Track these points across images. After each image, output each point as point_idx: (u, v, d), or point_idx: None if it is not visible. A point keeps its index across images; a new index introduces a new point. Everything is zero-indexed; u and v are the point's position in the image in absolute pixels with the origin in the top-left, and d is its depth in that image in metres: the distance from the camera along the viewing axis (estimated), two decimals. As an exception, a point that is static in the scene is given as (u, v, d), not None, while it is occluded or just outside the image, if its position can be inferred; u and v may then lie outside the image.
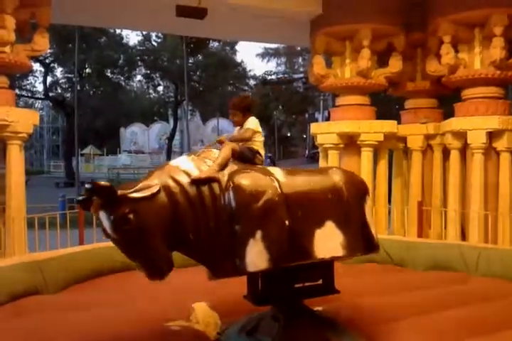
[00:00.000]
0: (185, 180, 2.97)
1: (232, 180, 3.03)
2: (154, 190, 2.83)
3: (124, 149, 46.44)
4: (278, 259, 3.00)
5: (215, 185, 3.02)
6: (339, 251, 3.26)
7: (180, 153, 38.38)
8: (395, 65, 7.63)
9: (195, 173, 3.01)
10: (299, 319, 3.39)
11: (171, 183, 2.93)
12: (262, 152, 3.62)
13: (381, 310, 3.98)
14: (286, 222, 3.07)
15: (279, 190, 3.11)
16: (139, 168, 35.80)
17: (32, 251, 5.72)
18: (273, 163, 26.88)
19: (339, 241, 3.25)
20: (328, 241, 3.20)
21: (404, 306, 4.10)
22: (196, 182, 2.98)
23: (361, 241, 3.38)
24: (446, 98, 9.02)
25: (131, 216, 2.72)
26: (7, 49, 6.16)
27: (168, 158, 38.36)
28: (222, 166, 3.15)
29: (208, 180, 3.01)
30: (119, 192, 2.74)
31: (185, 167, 3.05)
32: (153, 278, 2.89)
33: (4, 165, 6.20)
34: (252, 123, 3.66)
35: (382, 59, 7.79)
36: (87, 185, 2.72)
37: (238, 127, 3.76)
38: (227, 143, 3.41)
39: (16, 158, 6.22)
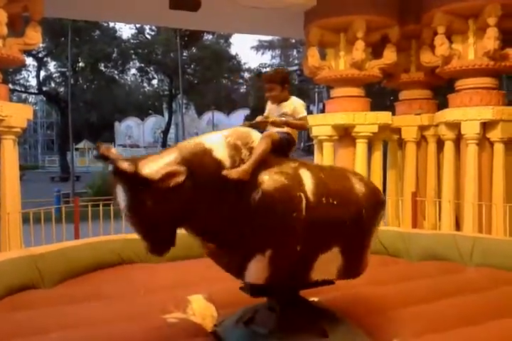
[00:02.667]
0: (214, 168, 2.69)
1: (262, 184, 2.77)
2: (180, 179, 2.54)
3: (118, 143, 46.30)
4: (275, 280, 2.96)
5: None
6: (332, 275, 3.22)
7: (176, 147, 38.22)
8: (389, 56, 7.62)
9: (227, 163, 2.73)
10: (296, 309, 3.41)
11: (199, 169, 2.65)
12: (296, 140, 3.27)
13: (376, 301, 4.01)
14: (298, 248, 2.92)
15: (304, 211, 2.85)
16: (134, 162, 35.68)
17: (27, 246, 5.72)
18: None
19: (336, 266, 3.18)
20: (327, 265, 3.12)
21: (399, 296, 4.14)
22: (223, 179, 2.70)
23: (356, 266, 3.32)
24: (441, 89, 9.04)
25: (149, 202, 2.51)
26: (-1, 43, 6.11)
27: (164, 151, 38.27)
28: (258, 164, 2.79)
29: (237, 182, 2.70)
30: (145, 176, 2.48)
31: (218, 153, 2.74)
32: (153, 253, 2.74)
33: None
34: (300, 104, 3.25)
35: (376, 50, 7.79)
36: (110, 167, 2.47)
37: (275, 104, 3.35)
38: (266, 134, 3.03)
39: (10, 153, 6.19)
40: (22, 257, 4.55)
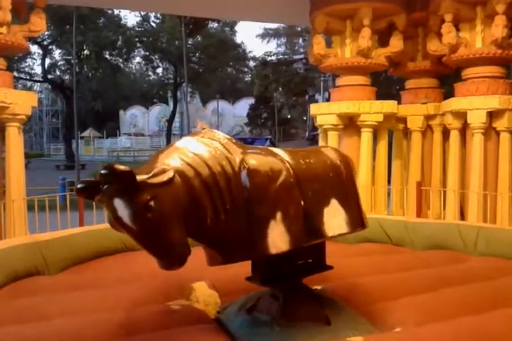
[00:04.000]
0: (197, 162, 2.81)
1: (245, 161, 2.94)
2: (170, 174, 2.65)
3: (123, 132, 46.35)
4: (297, 240, 3.01)
5: (228, 167, 2.90)
6: (344, 228, 3.32)
7: (180, 136, 38.30)
8: (396, 44, 7.54)
9: (205, 154, 2.87)
10: (298, 297, 3.42)
11: (184, 166, 2.77)
12: None
13: (379, 289, 4.01)
14: (302, 202, 3.08)
15: (291, 170, 3.09)
16: (139, 150, 35.83)
17: (32, 233, 5.76)
18: (273, 145, 26.83)
19: (342, 218, 3.31)
20: (334, 218, 3.26)
21: (402, 285, 4.13)
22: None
23: (358, 217, 3.46)
24: (447, 78, 8.95)
25: (152, 203, 2.52)
26: (3, 30, 6.09)
27: (168, 140, 38.30)
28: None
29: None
30: (139, 178, 2.54)
31: (195, 149, 2.90)
32: (170, 266, 2.70)
33: (4, 149, 6.21)
34: None
35: (382, 38, 7.71)
36: (102, 171, 2.47)
37: None
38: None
39: (15, 140, 6.22)
40: (27, 244, 4.58)
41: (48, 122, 48.78)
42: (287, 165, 3.10)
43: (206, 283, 4.13)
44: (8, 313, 3.58)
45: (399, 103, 8.07)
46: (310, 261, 3.51)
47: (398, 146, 8.41)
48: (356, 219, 3.43)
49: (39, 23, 6.56)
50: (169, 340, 3.03)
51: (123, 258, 5.15)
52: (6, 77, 6.36)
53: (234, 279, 3.88)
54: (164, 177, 2.62)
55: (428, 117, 7.96)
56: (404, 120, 8.13)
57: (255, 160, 2.98)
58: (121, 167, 2.47)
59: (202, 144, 2.96)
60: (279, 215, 2.94)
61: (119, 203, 2.52)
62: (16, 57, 27.22)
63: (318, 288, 3.89)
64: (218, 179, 2.85)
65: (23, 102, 6.24)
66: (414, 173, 7.95)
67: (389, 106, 7.65)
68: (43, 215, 5.86)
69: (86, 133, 39.17)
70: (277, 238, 2.92)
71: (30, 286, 4.24)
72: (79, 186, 2.63)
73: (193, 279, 4.11)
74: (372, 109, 7.45)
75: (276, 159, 3.10)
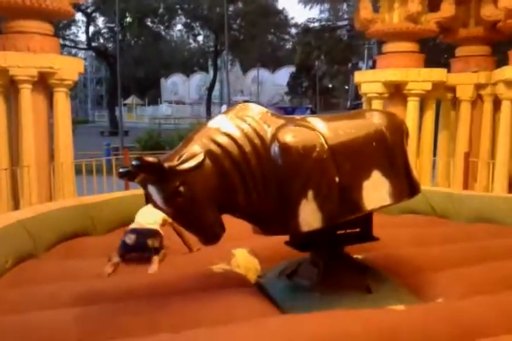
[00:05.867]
0: (227, 142, 2.85)
1: (277, 138, 2.88)
2: (200, 158, 2.73)
3: (164, 99, 46.73)
4: (331, 217, 2.98)
5: (259, 145, 2.88)
6: (387, 200, 3.21)
7: (220, 104, 38.34)
8: (447, 9, 7.18)
9: (236, 134, 2.88)
10: (339, 265, 3.44)
11: (214, 147, 2.82)
12: None
13: (422, 261, 3.97)
14: (336, 179, 2.99)
15: (325, 145, 2.97)
16: (179, 118, 36.12)
17: (80, 195, 5.97)
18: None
19: (386, 190, 3.19)
20: (375, 191, 3.13)
21: (446, 257, 4.08)
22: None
23: (405, 185, 3.32)
24: (500, 45, 8.48)
25: (181, 188, 2.66)
26: (49, -5, 6.14)
27: (208, 109, 38.41)
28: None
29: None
30: (167, 165, 2.66)
31: (226, 128, 2.91)
32: (208, 243, 2.93)
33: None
34: None
35: (433, 3, 7.33)
36: (134, 162, 2.63)
37: None
38: None
39: (63, 105, 6.36)
40: (76, 206, 4.76)
41: (92, 89, 49.70)
42: (322, 139, 2.98)
43: (246, 250, 4.20)
44: (59, 271, 3.78)
45: (448, 71, 7.74)
46: (356, 230, 3.47)
47: (446, 117, 8.12)
48: (403, 189, 3.29)
49: (84, -11, 6.58)
50: (213, 300, 3.12)
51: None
52: (53, 42, 6.46)
53: (273, 246, 3.92)
54: (193, 163, 2.71)
55: (479, 86, 7.61)
56: (453, 89, 7.80)
57: (287, 136, 2.90)
58: (150, 159, 2.62)
59: (234, 123, 2.95)
60: (310, 193, 2.89)
61: (152, 189, 2.72)
62: (61, 25, 27.54)
63: (359, 257, 3.88)
64: (249, 158, 2.87)
65: (70, 68, 6.34)
66: (461, 145, 7.68)
67: (438, 74, 7.35)
68: (89, 179, 6.04)
69: (129, 101, 39.69)
70: (309, 216, 2.91)
71: (79, 246, 4.43)
72: (120, 170, 2.86)
73: (233, 246, 4.18)
74: (421, 77, 7.18)
75: (311, 133, 2.99)
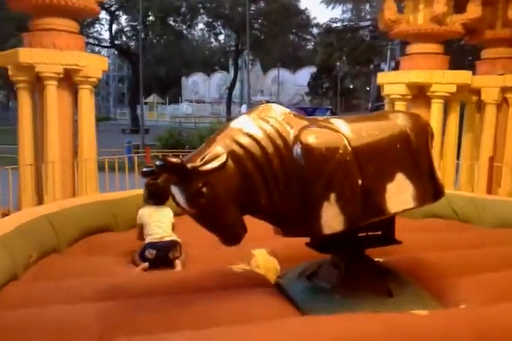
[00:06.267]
0: (250, 143, 2.83)
1: (299, 139, 2.85)
2: (223, 159, 2.72)
3: (185, 98, 47.04)
4: (353, 220, 2.95)
5: (282, 146, 2.86)
6: (410, 203, 3.16)
7: (240, 104, 38.42)
8: (474, 10, 7.08)
9: (259, 135, 2.86)
10: (360, 267, 3.40)
11: (237, 148, 2.81)
12: None
13: (444, 265, 3.90)
14: (359, 181, 2.95)
15: (348, 147, 2.93)
16: (200, 117, 36.33)
17: (102, 192, 6.04)
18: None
19: (409, 193, 3.13)
20: (399, 194, 3.08)
21: (469, 262, 4.00)
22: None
23: (430, 189, 3.27)
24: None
25: (204, 189, 2.66)
26: (78, -7, 6.22)
27: (228, 108, 38.54)
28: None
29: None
30: (190, 165, 2.65)
31: (248, 129, 2.89)
32: (229, 243, 2.93)
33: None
34: None
35: (458, 4, 7.23)
36: (157, 162, 2.64)
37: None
38: None
39: (87, 102, 6.46)
40: (99, 202, 4.81)
41: (114, 87, 50.29)
42: (345, 141, 2.94)
43: (266, 250, 4.19)
44: (81, 268, 3.83)
45: (473, 73, 7.62)
46: (378, 233, 3.44)
47: (470, 120, 8.01)
48: (427, 192, 3.24)
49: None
50: (232, 300, 3.12)
51: (188, 220, 5.29)
52: (78, 40, 6.56)
53: (293, 247, 3.90)
54: (216, 163, 2.69)
55: (504, 89, 7.48)
56: (478, 92, 7.68)
57: (310, 137, 2.86)
58: (174, 159, 2.62)
59: (256, 124, 2.93)
60: (333, 196, 2.85)
61: (175, 190, 2.72)
62: (85, 23, 27.92)
63: (381, 260, 3.84)
64: (272, 159, 2.84)
65: (95, 65, 6.43)
66: (486, 148, 7.56)
67: (463, 76, 7.25)
68: (111, 176, 6.11)
69: (150, 99, 40.06)
70: (331, 218, 2.87)
71: (101, 242, 4.48)
72: (144, 170, 2.90)
73: (253, 246, 4.18)
74: (445, 79, 7.09)
75: (334, 134, 2.95)
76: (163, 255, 3.99)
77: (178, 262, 4.01)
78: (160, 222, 4.12)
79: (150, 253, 3.98)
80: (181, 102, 45.15)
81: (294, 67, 46.59)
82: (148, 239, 4.08)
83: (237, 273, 3.73)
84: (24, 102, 6.27)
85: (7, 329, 2.72)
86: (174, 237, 4.16)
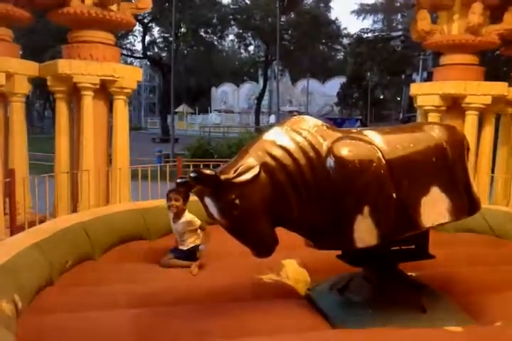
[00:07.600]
0: (282, 155, 2.84)
1: (332, 152, 2.84)
2: (256, 171, 2.75)
3: (214, 108, 47.51)
4: (387, 235, 2.92)
5: (315, 159, 2.86)
6: (445, 218, 3.10)
7: (269, 114, 38.55)
8: (510, 20, 6.94)
9: (292, 147, 2.87)
10: (393, 281, 3.36)
11: (269, 160, 2.83)
12: None
13: (479, 281, 3.81)
14: (394, 195, 2.92)
15: (383, 160, 2.90)
16: (228, 126, 36.59)
17: (134, 200, 6.14)
18: (364, 126, 26.10)
19: (445, 207, 3.08)
20: (434, 208, 3.03)
21: (504, 279, 3.89)
22: None
23: (466, 203, 3.21)
24: None
25: (237, 201, 2.70)
26: (114, 7, 6.42)
27: (257, 118, 38.71)
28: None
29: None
30: (223, 177, 2.70)
31: (281, 141, 2.90)
32: (260, 256, 2.95)
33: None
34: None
35: (494, 14, 7.11)
36: (192, 174, 2.69)
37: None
38: None
39: (122, 112, 6.61)
40: (132, 210, 4.89)
41: (145, 97, 51.26)
42: (379, 153, 2.91)
43: (296, 261, 4.18)
44: (118, 273, 3.90)
45: (509, 85, 7.47)
46: (411, 247, 3.39)
47: (506, 132, 7.82)
48: (463, 206, 3.18)
49: (146, 2, 6.83)
50: (263, 310, 3.12)
51: (218, 229, 5.33)
52: (114, 52, 6.74)
53: (324, 259, 3.87)
54: (249, 175, 2.73)
55: (542, 101, 7.30)
56: (514, 104, 7.52)
57: (343, 150, 2.84)
58: (207, 171, 2.69)
59: (289, 136, 2.93)
60: (366, 209, 2.83)
61: (208, 201, 2.78)
62: (119, 34, 28.63)
63: (413, 274, 3.78)
64: (304, 171, 2.84)
65: (130, 76, 6.58)
66: (522, 162, 7.38)
67: (499, 87, 7.10)
68: (143, 184, 6.22)
69: (180, 109, 40.59)
70: (364, 232, 2.85)
71: (133, 250, 4.55)
72: (178, 181, 3.01)
73: (283, 255, 4.17)
74: (480, 91, 6.95)
75: (368, 147, 2.91)
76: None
77: (194, 266, 4.15)
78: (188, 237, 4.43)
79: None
80: (210, 112, 45.62)
81: (324, 77, 46.54)
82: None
83: (268, 283, 3.73)
84: (61, 112, 6.47)
85: (43, 334, 2.79)
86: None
